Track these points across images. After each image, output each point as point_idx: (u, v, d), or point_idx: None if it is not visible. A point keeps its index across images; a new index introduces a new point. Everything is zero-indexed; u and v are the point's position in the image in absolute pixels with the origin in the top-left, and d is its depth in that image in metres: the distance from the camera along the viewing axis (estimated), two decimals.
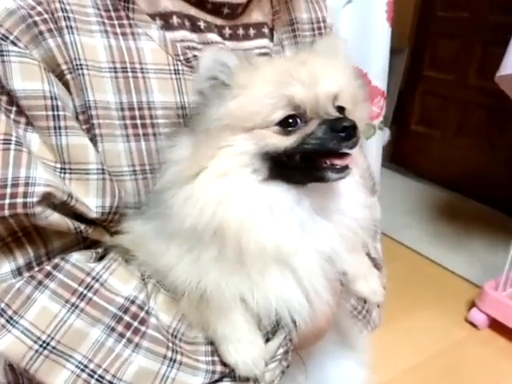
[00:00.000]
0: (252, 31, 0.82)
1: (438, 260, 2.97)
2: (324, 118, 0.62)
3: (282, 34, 0.87)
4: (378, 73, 2.04)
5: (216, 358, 0.66)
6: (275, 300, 0.64)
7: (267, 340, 0.67)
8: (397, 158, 4.25)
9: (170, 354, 0.63)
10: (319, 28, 0.93)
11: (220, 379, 0.65)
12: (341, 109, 0.67)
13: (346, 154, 0.62)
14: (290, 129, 0.63)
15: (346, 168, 0.62)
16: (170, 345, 0.63)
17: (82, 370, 0.60)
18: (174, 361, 0.63)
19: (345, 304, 0.85)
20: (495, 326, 2.38)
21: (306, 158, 0.63)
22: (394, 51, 3.96)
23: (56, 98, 0.63)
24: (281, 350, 0.67)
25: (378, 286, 0.76)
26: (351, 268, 0.73)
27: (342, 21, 1.91)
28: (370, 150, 2.13)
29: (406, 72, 3.95)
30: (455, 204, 3.70)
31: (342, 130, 0.60)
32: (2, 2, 0.62)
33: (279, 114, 0.63)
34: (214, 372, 0.64)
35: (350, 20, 1.92)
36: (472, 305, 2.49)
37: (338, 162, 0.62)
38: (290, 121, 0.63)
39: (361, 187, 0.73)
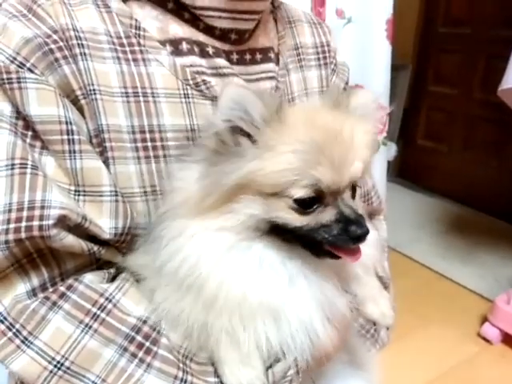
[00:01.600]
0: (258, 56, 0.84)
1: (449, 274, 2.95)
2: (342, 213, 0.61)
3: (287, 58, 0.89)
4: (380, 90, 2.06)
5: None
6: (265, 344, 0.64)
7: (277, 360, 0.67)
8: (404, 172, 4.25)
9: (180, 374, 0.63)
10: (323, 52, 0.95)
11: None
12: (353, 187, 0.65)
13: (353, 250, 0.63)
14: (307, 210, 0.61)
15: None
16: (181, 365, 0.64)
17: None
18: (185, 381, 0.63)
19: (353, 324, 0.85)
20: (508, 340, 2.35)
21: (311, 238, 0.63)
22: (397, 68, 4.01)
23: (71, 123, 0.65)
24: (291, 371, 0.67)
25: (388, 308, 0.76)
26: (360, 291, 0.74)
27: (342, 40, 1.94)
28: (374, 166, 2.14)
29: (411, 88, 3.98)
30: (464, 217, 3.68)
31: (357, 237, 0.61)
32: (19, 31, 0.65)
33: (301, 193, 0.60)
34: None
35: (351, 39, 1.95)
36: (484, 319, 2.46)
37: (343, 256, 0.63)
38: (310, 202, 0.61)
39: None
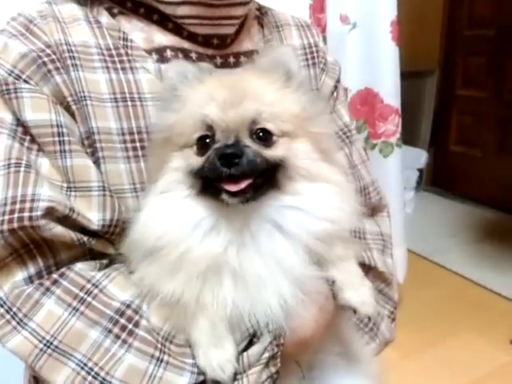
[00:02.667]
0: (243, 58, 0.88)
1: (482, 282, 2.85)
2: (222, 146, 0.63)
3: None
4: (390, 91, 2.06)
5: None
6: (232, 305, 0.65)
7: (251, 343, 0.68)
8: (437, 180, 4.16)
9: (157, 353, 0.66)
10: (311, 52, 0.97)
11: (205, 380, 0.67)
12: (264, 131, 0.66)
13: (240, 180, 0.63)
14: (203, 150, 0.66)
15: (242, 192, 0.62)
16: (159, 345, 0.67)
17: (82, 368, 0.65)
18: (161, 360, 0.66)
19: (344, 315, 0.83)
20: None
21: (209, 181, 0.65)
22: (423, 74, 3.98)
23: (61, 126, 0.71)
24: (266, 355, 0.67)
25: (369, 296, 0.73)
26: (338, 276, 0.72)
27: (348, 45, 1.96)
28: (388, 169, 2.12)
29: (439, 94, 3.92)
30: (499, 223, 3.56)
31: (222, 157, 0.61)
32: (16, 48, 0.73)
33: (196, 135, 0.66)
34: (199, 373, 0.66)
35: (357, 44, 1.96)
36: None
37: (227, 187, 0.62)
38: (206, 141, 0.66)
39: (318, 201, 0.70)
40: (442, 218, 3.75)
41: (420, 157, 3.91)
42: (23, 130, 0.72)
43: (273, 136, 0.67)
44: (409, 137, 3.13)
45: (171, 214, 0.67)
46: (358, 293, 0.72)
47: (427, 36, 3.82)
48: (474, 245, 3.31)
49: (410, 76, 3.09)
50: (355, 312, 0.73)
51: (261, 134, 0.66)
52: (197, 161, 0.66)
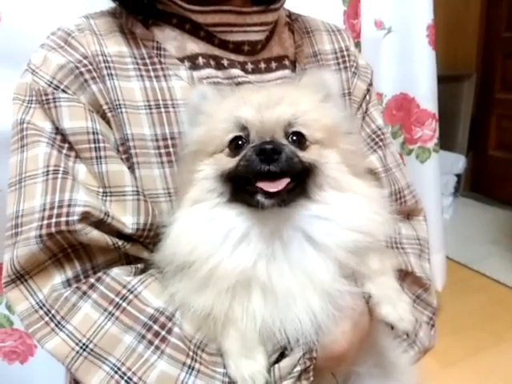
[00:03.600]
0: (274, 64, 0.89)
1: None
2: (260, 145, 0.63)
3: (305, 64, 0.93)
4: (426, 96, 2.02)
5: None
6: (261, 320, 0.65)
7: (282, 355, 0.68)
8: (476, 186, 4.05)
9: (189, 361, 0.67)
10: (343, 56, 0.98)
11: None
12: (299, 135, 0.67)
13: (276, 179, 0.62)
14: (236, 151, 0.67)
15: (277, 194, 0.62)
16: (191, 353, 0.68)
17: (115, 372, 0.67)
18: (193, 368, 0.67)
19: (380, 327, 0.80)
20: None
21: (245, 181, 0.65)
22: (461, 78, 3.90)
23: (97, 133, 0.75)
24: (298, 368, 0.67)
25: (407, 312, 0.70)
26: (375, 290, 0.71)
27: (383, 50, 1.95)
28: (426, 174, 2.09)
29: (477, 97, 3.83)
30: None
31: (261, 153, 0.62)
32: (55, 60, 0.77)
33: (229, 136, 0.67)
34: (230, 383, 0.67)
35: (392, 49, 1.95)
36: None
37: (263, 186, 0.62)
38: (239, 143, 0.67)
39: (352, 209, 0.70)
40: (481, 224, 3.64)
41: (458, 162, 3.82)
42: (62, 137, 0.75)
43: (306, 141, 0.68)
44: (446, 142, 3.07)
45: (200, 228, 0.68)
46: (396, 308, 0.70)
47: (464, 39, 3.75)
48: None
49: (447, 80, 3.04)
50: (392, 328, 0.71)
51: (295, 137, 0.68)
52: (229, 162, 0.67)
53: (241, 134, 0.67)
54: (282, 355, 0.68)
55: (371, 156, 0.96)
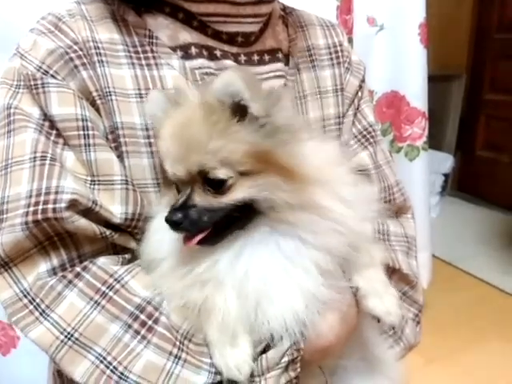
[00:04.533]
0: (267, 56, 0.89)
1: (509, 290, 2.79)
2: (175, 201, 0.66)
3: (298, 58, 0.93)
4: (417, 94, 2.03)
5: None
6: (234, 313, 0.66)
7: (268, 346, 0.68)
8: (463, 185, 4.09)
9: (175, 351, 0.67)
10: (336, 51, 0.98)
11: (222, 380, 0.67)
12: (216, 180, 0.63)
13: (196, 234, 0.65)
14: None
15: (203, 241, 0.65)
16: (177, 343, 0.67)
17: (101, 362, 0.65)
18: (179, 358, 0.66)
19: (367, 321, 0.80)
20: None
21: None
22: (451, 78, 3.92)
23: (86, 120, 0.73)
24: (285, 359, 0.67)
25: (394, 306, 0.71)
26: (363, 284, 0.72)
27: (375, 47, 1.95)
28: (414, 172, 2.10)
29: (466, 97, 3.86)
30: None
31: (168, 223, 0.64)
32: (44, 44, 0.75)
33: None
34: (216, 373, 0.66)
35: (384, 46, 1.94)
36: None
37: (184, 243, 0.66)
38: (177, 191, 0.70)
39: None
40: (467, 223, 3.68)
41: (446, 161, 3.86)
42: (50, 124, 0.73)
43: (226, 181, 0.63)
44: (434, 141, 3.09)
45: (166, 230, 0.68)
46: (383, 301, 0.71)
47: (456, 39, 3.77)
48: (499, 251, 3.24)
49: (437, 79, 3.06)
50: (379, 321, 0.72)
51: (213, 183, 0.64)
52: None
53: (175, 184, 0.70)
54: (268, 346, 0.68)
55: (362, 153, 0.96)
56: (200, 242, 0.64)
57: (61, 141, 0.74)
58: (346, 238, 0.67)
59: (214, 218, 0.65)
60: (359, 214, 0.70)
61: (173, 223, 0.64)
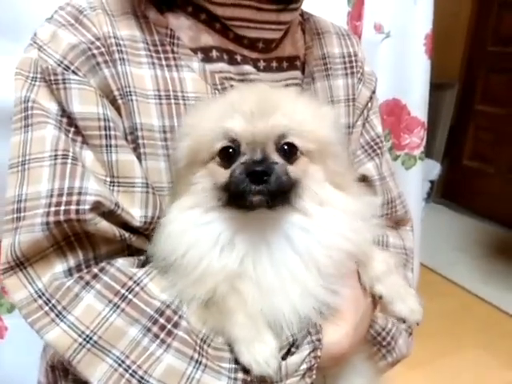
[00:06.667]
0: (285, 64, 0.88)
1: (488, 299, 2.85)
2: (249, 159, 0.64)
3: (314, 66, 0.92)
4: (418, 104, 2.04)
5: (238, 366, 0.67)
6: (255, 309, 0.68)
7: (288, 353, 0.68)
8: (448, 193, 4.16)
9: (196, 356, 0.66)
10: (350, 61, 0.98)
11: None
12: (291, 146, 0.67)
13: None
14: (227, 161, 0.67)
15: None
16: (198, 348, 0.67)
17: (119, 365, 0.64)
18: (200, 363, 0.66)
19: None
20: None
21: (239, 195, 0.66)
22: (443, 86, 3.96)
23: (108, 120, 0.72)
24: (304, 366, 0.68)
25: (416, 304, 0.76)
26: (386, 291, 0.76)
27: (380, 55, 1.95)
28: (409, 181, 2.12)
29: (457, 107, 3.91)
30: (508, 241, 3.55)
31: (251, 174, 0.62)
32: (66, 38, 0.73)
33: (217, 146, 0.67)
34: (235, 379, 0.66)
35: (388, 53, 1.94)
36: None
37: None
38: (230, 152, 0.67)
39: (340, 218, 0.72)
40: (450, 231, 3.75)
41: (433, 168, 3.90)
42: (68, 121, 0.72)
43: (297, 151, 0.68)
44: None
45: (194, 231, 0.69)
46: (406, 303, 0.75)
47: (451, 49, 3.80)
48: (481, 260, 3.31)
49: (430, 87, 3.08)
50: (404, 321, 0.76)
51: (286, 147, 0.67)
52: (222, 174, 0.67)
53: (230, 144, 0.66)
54: (287, 352, 0.68)
55: (368, 163, 0.97)
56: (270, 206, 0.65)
57: (79, 139, 0.72)
58: (353, 245, 0.71)
59: (287, 186, 0.65)
60: (362, 233, 0.73)
61: (261, 173, 0.62)
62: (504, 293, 2.90)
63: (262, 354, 0.65)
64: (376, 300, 0.79)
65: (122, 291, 0.67)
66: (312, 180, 0.69)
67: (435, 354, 2.37)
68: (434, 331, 2.59)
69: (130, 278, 0.69)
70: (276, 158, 0.66)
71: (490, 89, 3.78)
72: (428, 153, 4.01)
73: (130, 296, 0.67)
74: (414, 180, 2.12)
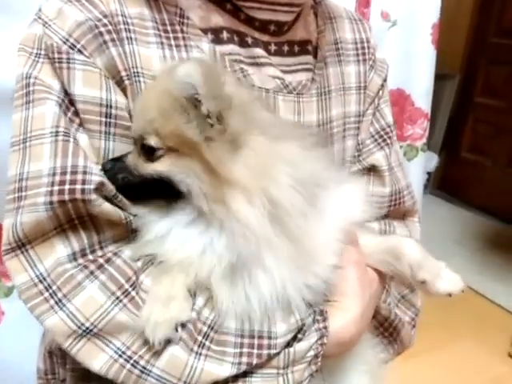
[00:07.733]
0: (296, 48, 0.86)
1: (482, 291, 2.86)
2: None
3: (326, 51, 0.90)
4: (422, 95, 2.02)
5: (244, 350, 0.66)
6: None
7: (295, 339, 0.68)
8: (445, 185, 4.16)
9: (196, 348, 0.64)
10: (363, 48, 0.96)
11: (247, 371, 0.66)
12: (147, 146, 0.65)
13: None
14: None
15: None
16: (199, 339, 0.65)
17: (120, 356, 0.63)
18: (200, 354, 0.64)
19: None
20: None
21: None
22: (444, 77, 3.94)
23: (111, 107, 0.69)
24: (311, 353, 0.67)
25: (452, 274, 0.77)
26: (426, 276, 0.76)
27: (386, 43, 1.92)
28: (411, 173, 2.10)
29: (457, 98, 3.89)
30: (504, 234, 3.57)
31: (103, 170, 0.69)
32: (72, 15, 0.70)
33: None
34: (240, 363, 0.65)
35: (395, 42, 1.91)
36: None
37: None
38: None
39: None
40: (446, 223, 3.76)
41: (431, 160, 3.89)
42: (69, 101, 0.69)
43: (156, 151, 0.65)
44: None
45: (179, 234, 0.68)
46: (444, 279, 0.76)
47: (453, 40, 3.77)
48: (475, 253, 3.32)
49: None
50: (450, 295, 0.76)
51: (145, 148, 0.66)
52: None
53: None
54: (293, 338, 0.68)
55: (377, 153, 0.96)
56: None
57: (77, 120, 0.70)
58: (252, 244, 0.64)
59: (128, 181, 0.69)
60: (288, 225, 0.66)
61: (102, 168, 0.69)
62: (499, 286, 2.92)
63: (157, 315, 0.63)
64: (383, 275, 0.81)
65: (126, 286, 0.66)
66: (186, 173, 0.64)
67: (430, 345, 2.38)
68: (428, 322, 2.59)
69: (135, 273, 0.67)
70: (134, 157, 0.69)
71: (491, 81, 3.76)
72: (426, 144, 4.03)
73: (133, 293, 0.66)
74: (415, 171, 2.12)
